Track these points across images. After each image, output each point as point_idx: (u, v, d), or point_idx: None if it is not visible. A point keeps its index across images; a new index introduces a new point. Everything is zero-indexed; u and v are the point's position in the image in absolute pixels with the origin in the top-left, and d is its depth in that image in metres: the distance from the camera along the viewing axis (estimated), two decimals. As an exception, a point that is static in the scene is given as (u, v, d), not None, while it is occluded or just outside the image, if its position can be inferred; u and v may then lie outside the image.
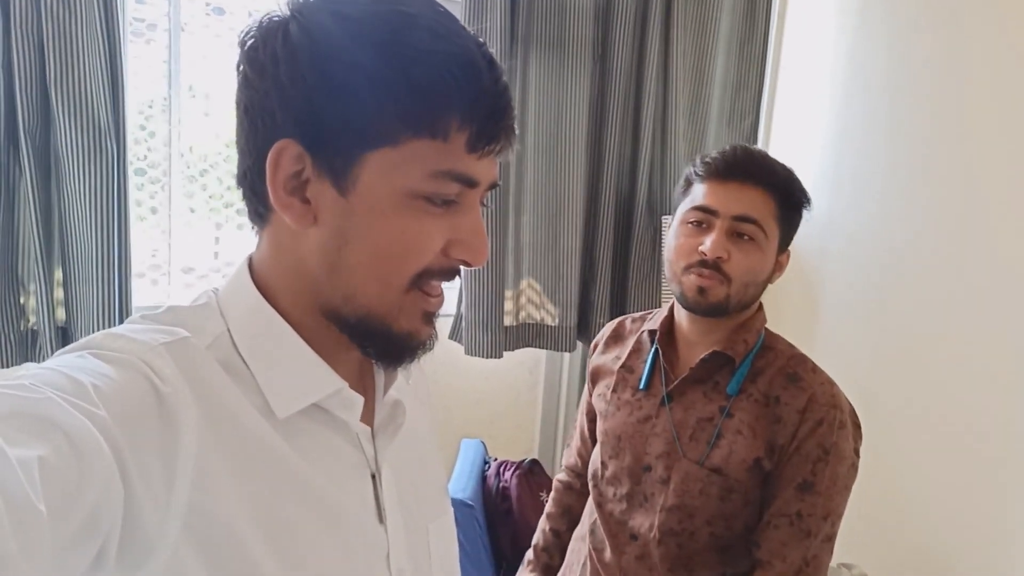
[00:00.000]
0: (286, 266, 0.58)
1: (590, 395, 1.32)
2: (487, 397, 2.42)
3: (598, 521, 1.21)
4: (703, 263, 1.08)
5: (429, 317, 0.59)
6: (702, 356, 1.13)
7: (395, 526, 0.64)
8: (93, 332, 0.55)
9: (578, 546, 1.27)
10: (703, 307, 1.10)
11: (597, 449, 1.25)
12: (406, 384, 0.70)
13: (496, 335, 2.09)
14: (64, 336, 1.76)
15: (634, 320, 1.31)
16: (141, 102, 1.94)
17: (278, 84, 0.52)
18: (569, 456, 1.41)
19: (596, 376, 1.31)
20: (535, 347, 2.24)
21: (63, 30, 1.62)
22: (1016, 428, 1.38)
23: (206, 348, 0.54)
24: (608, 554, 1.18)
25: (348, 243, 0.54)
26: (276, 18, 0.54)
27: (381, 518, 0.62)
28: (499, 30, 1.95)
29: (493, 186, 0.59)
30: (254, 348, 0.56)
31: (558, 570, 1.32)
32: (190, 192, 2.03)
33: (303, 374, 0.57)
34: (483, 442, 2.34)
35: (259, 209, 0.58)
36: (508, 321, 2.15)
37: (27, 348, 1.75)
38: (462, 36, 0.53)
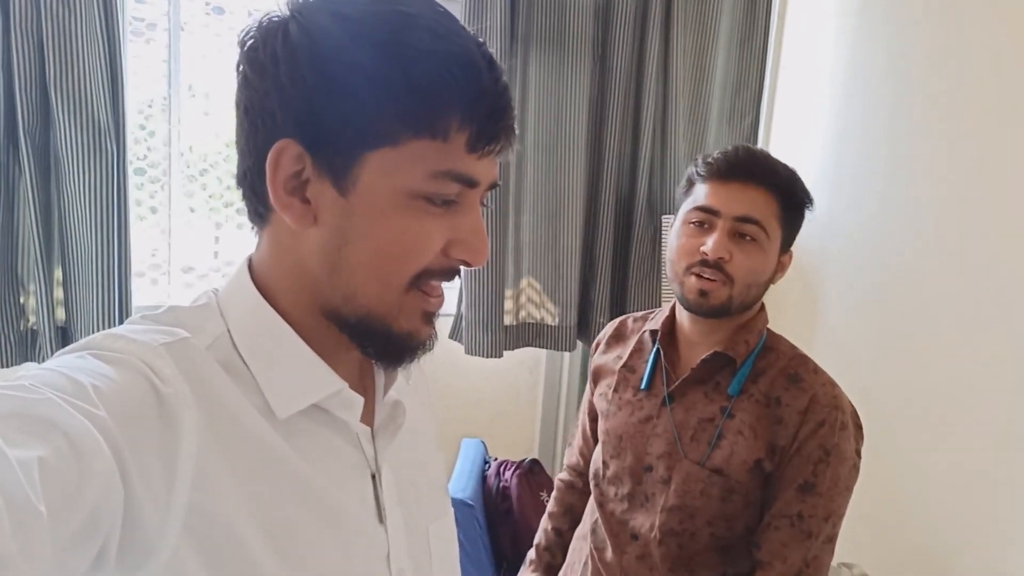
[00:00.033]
0: (286, 266, 0.58)
1: (592, 394, 1.32)
2: (487, 397, 2.42)
3: (599, 520, 1.21)
4: (704, 263, 1.08)
5: (429, 317, 0.59)
6: (703, 356, 1.13)
7: (395, 526, 0.64)
8: (93, 332, 0.55)
9: (580, 545, 1.27)
10: (705, 309, 1.10)
11: (598, 448, 1.25)
12: (406, 384, 0.70)
13: (496, 334, 2.09)
14: (64, 336, 1.76)
15: (636, 319, 1.31)
16: (141, 101, 1.94)
17: (278, 84, 0.52)
18: (571, 455, 1.41)
19: (597, 375, 1.31)
20: (535, 346, 2.24)
21: (63, 30, 1.62)
22: (1016, 427, 1.38)
23: (206, 348, 0.54)
24: (609, 553, 1.18)
25: (348, 243, 0.54)
26: (276, 18, 0.54)
27: (381, 518, 0.62)
28: (499, 29, 1.95)
29: (493, 186, 0.59)
30: (254, 348, 0.56)
31: (559, 569, 1.32)
32: (190, 192, 2.03)
33: (303, 374, 0.57)
34: (483, 442, 2.34)
35: (259, 209, 0.58)
36: (508, 320, 2.15)
37: (27, 348, 1.75)
38: (462, 36, 0.53)
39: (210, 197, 2.07)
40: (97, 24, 1.65)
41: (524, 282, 2.17)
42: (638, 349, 1.24)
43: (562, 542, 1.34)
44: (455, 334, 2.16)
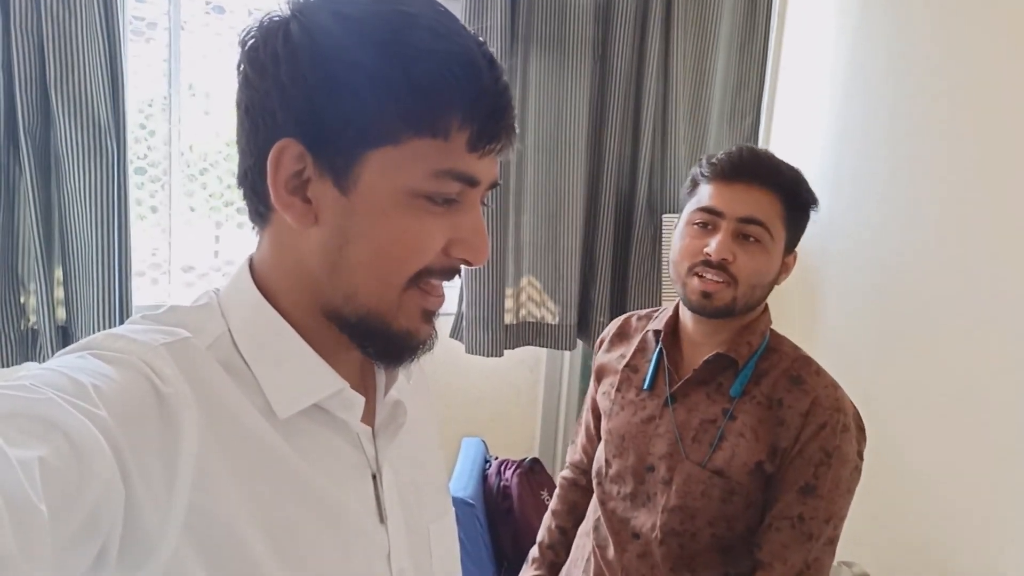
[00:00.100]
0: (287, 266, 0.58)
1: (595, 392, 1.32)
2: (488, 396, 2.42)
3: (601, 518, 1.21)
4: (708, 264, 1.08)
5: (429, 316, 0.59)
6: (706, 358, 1.13)
7: (396, 526, 0.64)
8: (93, 331, 0.55)
9: (583, 542, 1.27)
10: (708, 310, 1.10)
11: (601, 447, 1.25)
12: (407, 384, 0.70)
13: (497, 333, 2.09)
14: (64, 335, 1.76)
15: (639, 318, 1.31)
16: (141, 101, 1.94)
17: (279, 84, 0.52)
18: (574, 453, 1.40)
19: (601, 374, 1.30)
20: (535, 345, 2.24)
21: (63, 29, 1.62)
22: (1017, 427, 1.38)
23: (207, 348, 0.54)
24: (611, 552, 1.18)
25: (349, 242, 0.54)
26: (277, 18, 0.54)
27: (382, 518, 0.62)
28: (499, 29, 1.95)
29: (494, 185, 0.59)
30: (255, 348, 0.56)
31: (562, 568, 1.32)
32: (190, 191, 2.03)
33: (304, 374, 0.57)
34: (484, 441, 2.34)
35: (260, 209, 0.58)
36: (508, 319, 2.15)
37: (27, 347, 1.75)
38: (462, 35, 0.53)
39: (210, 196, 2.07)
40: (97, 23, 1.65)
41: (524, 281, 2.17)
42: (641, 348, 1.24)
43: (566, 540, 1.34)
44: (456, 333, 2.16)
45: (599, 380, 1.31)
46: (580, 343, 2.32)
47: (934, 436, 1.56)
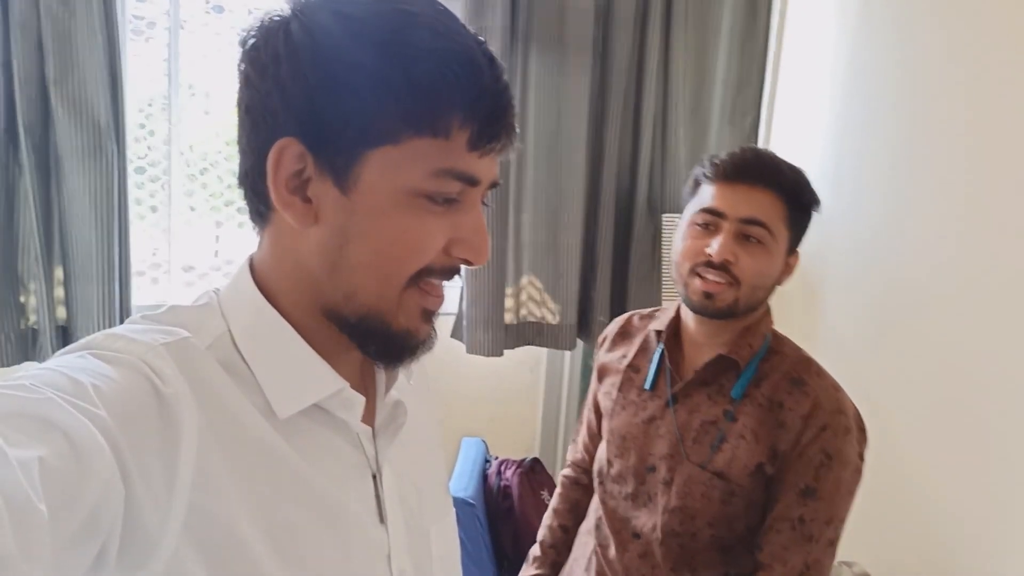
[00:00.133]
0: (287, 266, 0.58)
1: (597, 390, 1.32)
2: (488, 396, 2.41)
3: (603, 518, 1.21)
4: (709, 265, 1.08)
5: (428, 315, 0.59)
6: (707, 359, 1.13)
7: (396, 526, 0.64)
8: (94, 331, 0.55)
9: (584, 540, 1.27)
10: (710, 311, 1.10)
11: (602, 446, 1.25)
12: (407, 384, 0.70)
13: (497, 333, 2.09)
14: (64, 335, 1.76)
15: (641, 317, 1.31)
16: (141, 100, 1.94)
17: (279, 83, 0.52)
18: (575, 451, 1.40)
19: (602, 373, 1.30)
20: (536, 345, 2.24)
21: (62, 28, 1.62)
22: (1018, 426, 1.37)
23: (207, 348, 0.54)
24: (612, 551, 1.18)
25: (349, 242, 0.54)
26: (277, 17, 0.54)
27: (382, 518, 0.62)
28: (500, 28, 1.95)
29: (494, 185, 0.59)
30: (255, 348, 0.56)
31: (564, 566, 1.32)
32: (190, 190, 2.03)
33: (304, 374, 0.57)
34: (484, 441, 2.33)
35: (260, 209, 0.58)
36: (509, 319, 2.15)
37: (27, 347, 1.75)
38: (463, 34, 0.53)
39: (210, 196, 2.07)
40: (97, 23, 1.65)
41: (525, 280, 2.17)
42: (643, 348, 1.24)
43: (567, 539, 1.34)
44: (456, 333, 2.16)
45: (601, 379, 1.31)
46: (580, 343, 2.32)
47: (935, 436, 1.56)
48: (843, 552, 1.13)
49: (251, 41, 0.54)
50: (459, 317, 2.15)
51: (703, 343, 1.15)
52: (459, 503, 1.89)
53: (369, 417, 0.63)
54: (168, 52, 1.93)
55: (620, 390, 1.23)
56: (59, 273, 1.74)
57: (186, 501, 0.48)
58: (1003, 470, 1.40)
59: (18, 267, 1.72)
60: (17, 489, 0.37)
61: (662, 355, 1.19)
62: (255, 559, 0.52)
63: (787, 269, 1.14)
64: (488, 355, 2.10)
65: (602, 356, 1.32)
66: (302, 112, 0.52)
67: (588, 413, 1.36)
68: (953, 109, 1.57)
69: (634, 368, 1.23)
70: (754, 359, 1.12)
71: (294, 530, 0.55)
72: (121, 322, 0.55)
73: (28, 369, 0.47)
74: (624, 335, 1.30)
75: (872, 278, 1.77)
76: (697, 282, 1.09)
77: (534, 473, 2.20)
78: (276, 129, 0.53)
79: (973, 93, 1.53)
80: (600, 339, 1.35)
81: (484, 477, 2.19)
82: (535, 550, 1.36)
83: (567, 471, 1.41)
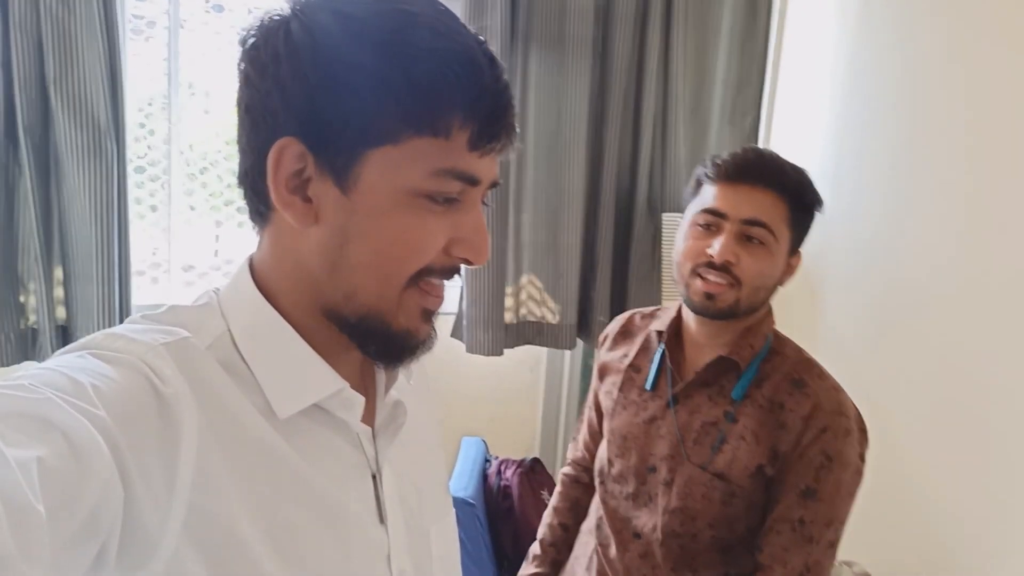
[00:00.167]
0: (287, 266, 0.57)
1: (598, 389, 1.32)
2: (488, 395, 2.41)
3: (604, 517, 1.21)
4: (711, 265, 1.07)
5: (428, 315, 0.59)
6: (708, 360, 1.12)
7: (396, 526, 0.64)
8: (93, 331, 0.55)
9: (585, 539, 1.27)
10: (711, 312, 1.09)
11: (603, 446, 1.25)
12: (407, 384, 0.70)
13: (497, 333, 2.09)
14: (64, 335, 1.76)
15: (643, 316, 1.31)
16: (140, 100, 1.94)
17: (279, 83, 0.52)
18: (575, 450, 1.40)
19: (603, 372, 1.30)
20: (536, 345, 2.23)
21: (62, 28, 1.62)
22: (1018, 426, 1.37)
23: (206, 348, 0.54)
24: (613, 550, 1.18)
25: (350, 241, 0.54)
26: (277, 16, 0.53)
27: (382, 518, 0.62)
28: (500, 28, 1.94)
29: (494, 184, 0.59)
30: (255, 348, 0.56)
31: (564, 564, 1.32)
32: (190, 190, 2.03)
33: (304, 374, 0.57)
34: (484, 440, 2.33)
35: (260, 208, 0.58)
36: (509, 318, 2.15)
37: (27, 347, 1.75)
38: (463, 34, 0.53)
39: (210, 195, 2.07)
40: (96, 22, 1.65)
41: (525, 279, 2.17)
42: (644, 348, 1.24)
43: (567, 537, 1.33)
44: (456, 333, 2.15)
45: (601, 378, 1.30)
46: (580, 342, 2.32)
47: (935, 435, 1.56)
48: (844, 552, 1.12)
49: (251, 40, 0.54)
50: (459, 316, 2.15)
51: (704, 343, 1.15)
52: (459, 503, 1.89)
53: (369, 417, 0.63)
54: (168, 51, 1.92)
55: (621, 390, 1.23)
56: (59, 273, 1.74)
57: (186, 501, 0.48)
58: (1003, 470, 1.40)
59: (18, 267, 1.72)
60: (16, 490, 0.37)
61: (663, 355, 1.19)
62: (255, 559, 0.52)
63: (789, 269, 1.14)
64: (488, 354, 2.10)
65: (603, 355, 1.32)
66: (302, 112, 0.52)
67: (589, 412, 1.36)
68: (953, 109, 1.57)
69: (635, 368, 1.23)
70: (755, 360, 1.12)
71: (294, 530, 0.55)
72: (121, 322, 0.55)
73: (27, 369, 0.47)
74: (625, 334, 1.30)
75: (872, 278, 1.77)
76: (698, 283, 1.09)
77: (534, 473, 2.20)
78: (276, 128, 0.53)
79: (973, 93, 1.53)
80: (601, 338, 1.35)
81: (484, 477, 2.19)
82: (535, 548, 1.35)
83: (567, 469, 1.40)
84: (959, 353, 1.51)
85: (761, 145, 2.24)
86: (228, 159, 2.05)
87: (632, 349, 1.25)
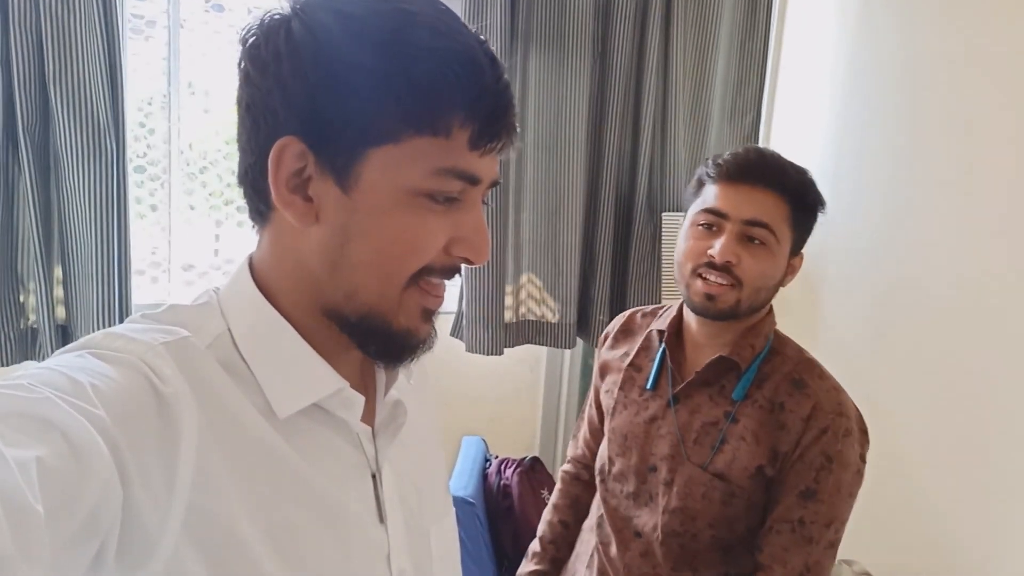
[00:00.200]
0: (287, 265, 0.57)
1: (599, 388, 1.31)
2: (488, 394, 2.41)
3: (604, 516, 1.21)
4: (711, 266, 1.07)
5: (428, 315, 0.59)
6: (708, 360, 1.12)
7: (396, 526, 0.63)
8: (93, 330, 0.55)
9: (588, 537, 1.27)
10: (712, 312, 1.09)
11: (604, 444, 1.25)
12: (407, 384, 0.70)
13: (496, 332, 2.09)
14: (64, 334, 1.76)
15: (644, 315, 1.30)
16: (140, 99, 1.93)
17: (280, 81, 0.52)
18: (575, 447, 1.40)
19: (604, 371, 1.30)
20: (535, 344, 2.23)
21: (62, 27, 1.61)
22: (1018, 425, 1.37)
23: (206, 348, 0.54)
24: (614, 549, 1.18)
25: (350, 241, 0.54)
26: (278, 16, 0.53)
27: (382, 518, 0.62)
28: (499, 27, 1.94)
29: (494, 184, 0.59)
30: (255, 348, 0.56)
31: (565, 563, 1.32)
32: (190, 189, 2.03)
33: (304, 374, 0.57)
34: (484, 440, 2.33)
35: (260, 207, 0.57)
36: (508, 317, 2.15)
37: (27, 346, 1.75)
38: (464, 34, 0.53)
39: (210, 195, 2.07)
40: (96, 21, 1.64)
41: (524, 278, 2.17)
42: (645, 347, 1.24)
43: (567, 534, 1.33)
44: (456, 332, 2.15)
45: (602, 377, 1.30)
46: (580, 342, 2.31)
47: (934, 435, 1.56)
48: (844, 551, 1.12)
49: (252, 39, 0.54)
50: (459, 316, 2.15)
51: (705, 343, 1.15)
52: (459, 502, 1.89)
53: (369, 417, 0.63)
54: (168, 51, 1.92)
55: (622, 389, 1.23)
56: (58, 272, 1.74)
57: (185, 501, 0.48)
58: (1002, 469, 1.40)
59: (17, 266, 1.72)
60: (15, 490, 0.37)
61: (664, 354, 1.18)
62: (255, 559, 0.52)
63: (791, 270, 1.14)
64: (488, 354, 2.10)
65: (604, 353, 1.31)
66: (303, 111, 0.52)
67: (590, 409, 1.36)
68: (953, 108, 1.57)
69: (636, 367, 1.23)
70: (755, 360, 1.11)
71: (294, 530, 0.55)
72: (121, 321, 0.55)
73: (27, 368, 0.47)
74: (626, 332, 1.30)
75: (872, 278, 1.77)
76: (699, 283, 1.09)
77: (534, 472, 2.20)
78: (277, 128, 0.53)
79: (973, 92, 1.52)
80: (602, 335, 1.35)
81: (484, 476, 2.19)
82: (535, 545, 1.35)
83: (567, 467, 1.40)
84: (959, 353, 1.51)
85: (761, 144, 2.24)
86: (228, 158, 2.05)
87: (633, 348, 1.25)
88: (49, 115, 1.65)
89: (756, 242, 1.07)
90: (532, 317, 2.20)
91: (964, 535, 1.48)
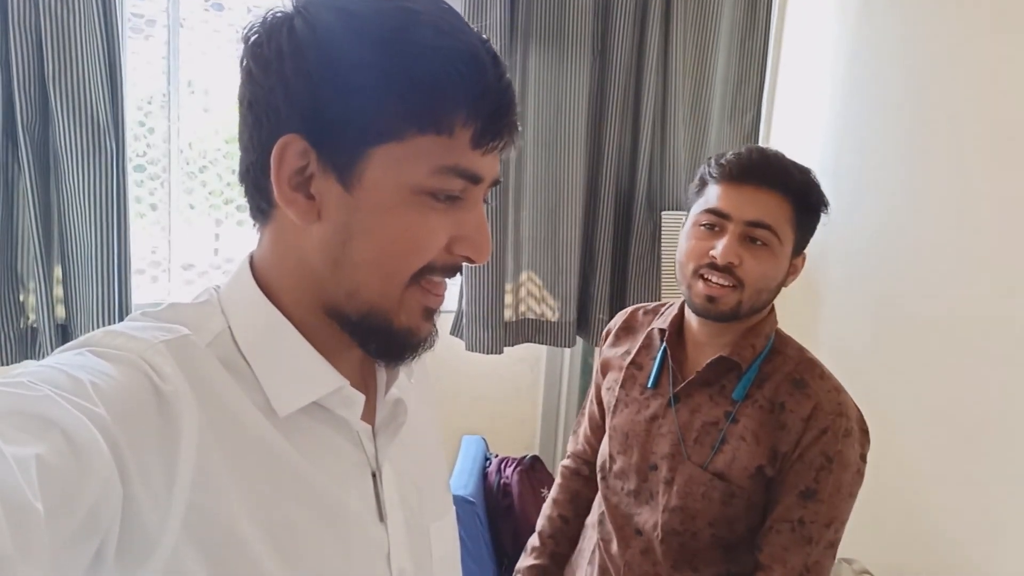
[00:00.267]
0: (288, 263, 0.57)
1: (600, 385, 1.31)
2: (488, 393, 2.41)
3: (605, 513, 1.21)
4: (713, 267, 1.07)
5: (430, 313, 0.59)
6: (709, 359, 1.12)
7: (396, 525, 0.63)
8: (93, 330, 0.55)
9: (590, 533, 1.27)
10: (713, 314, 1.09)
11: (605, 442, 1.25)
12: (408, 382, 0.70)
13: (496, 331, 2.09)
14: (64, 334, 1.76)
15: (646, 312, 1.30)
16: (140, 98, 1.93)
17: (283, 79, 0.52)
18: (575, 443, 1.40)
19: (605, 368, 1.30)
20: (535, 342, 2.23)
21: (61, 26, 1.61)
22: (1018, 423, 1.37)
23: (207, 346, 0.54)
24: (615, 546, 1.18)
25: (352, 239, 0.54)
26: (280, 14, 0.53)
27: (382, 517, 0.62)
28: (499, 25, 1.94)
29: (496, 182, 0.59)
30: (255, 346, 0.56)
31: (564, 558, 1.32)
32: (190, 188, 2.03)
33: (304, 372, 0.57)
34: (484, 438, 2.33)
35: (262, 205, 0.57)
36: (508, 316, 2.15)
37: (27, 346, 1.75)
38: (466, 32, 0.53)
39: (210, 194, 2.07)
40: (96, 21, 1.64)
41: (524, 276, 2.17)
42: (646, 345, 1.24)
43: (567, 529, 1.33)
44: (456, 330, 2.15)
45: (604, 374, 1.30)
46: (580, 340, 2.31)
47: (935, 434, 1.56)
48: (844, 550, 1.12)
49: (254, 37, 0.54)
50: (458, 314, 2.15)
51: (706, 343, 1.15)
52: (459, 501, 1.89)
53: (369, 415, 0.63)
54: (167, 50, 1.92)
55: (623, 386, 1.23)
56: (58, 272, 1.74)
57: (186, 500, 0.48)
58: (1002, 469, 1.40)
59: (17, 266, 1.72)
60: (15, 488, 0.37)
61: (664, 353, 1.18)
62: (255, 558, 0.52)
63: (793, 270, 1.13)
64: (488, 352, 2.10)
65: (605, 350, 1.31)
66: (306, 108, 0.52)
67: (591, 405, 1.36)
68: (955, 106, 1.57)
69: (637, 365, 1.23)
70: (756, 360, 1.11)
71: (294, 529, 0.55)
72: (120, 321, 0.55)
73: (27, 366, 0.47)
74: (628, 330, 1.30)
75: (872, 276, 1.77)
76: (700, 285, 1.08)
77: (534, 471, 2.20)
78: (279, 125, 0.53)
79: (975, 90, 1.52)
80: (604, 332, 1.34)
81: (484, 475, 2.19)
82: (534, 540, 1.35)
83: (567, 462, 1.40)
84: (959, 352, 1.51)
85: (761, 143, 2.24)
86: (228, 158, 2.05)
87: (634, 346, 1.25)
88: (49, 114, 1.65)
89: (758, 243, 1.07)
90: (532, 315, 2.20)
91: (964, 534, 1.48)
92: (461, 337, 2.13)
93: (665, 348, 1.18)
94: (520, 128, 0.57)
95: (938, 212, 1.59)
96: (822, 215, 1.12)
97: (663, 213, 2.19)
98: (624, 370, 1.23)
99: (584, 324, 2.24)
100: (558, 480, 1.39)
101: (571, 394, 2.51)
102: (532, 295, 2.19)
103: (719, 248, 1.06)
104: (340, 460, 0.60)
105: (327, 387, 0.57)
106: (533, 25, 2.03)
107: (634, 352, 1.24)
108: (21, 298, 1.73)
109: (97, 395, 0.45)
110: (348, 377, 0.59)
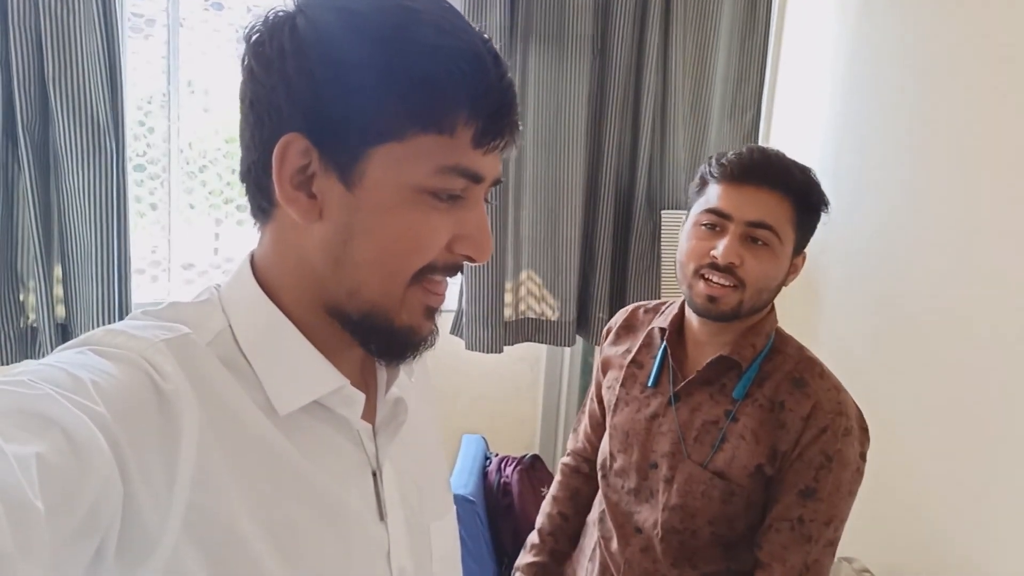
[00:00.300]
0: (289, 262, 0.57)
1: (600, 383, 1.31)
2: (488, 393, 2.42)
3: (606, 511, 1.21)
4: (714, 267, 1.07)
5: (431, 312, 0.59)
6: (709, 358, 1.12)
7: (396, 524, 0.63)
8: (93, 329, 0.55)
9: (591, 531, 1.27)
10: (714, 314, 1.09)
11: (606, 440, 1.25)
12: (408, 381, 0.70)
13: (496, 330, 2.09)
14: (64, 333, 1.76)
15: (647, 311, 1.30)
16: (140, 98, 1.93)
17: (285, 78, 0.52)
18: (575, 441, 1.40)
19: (605, 367, 1.30)
20: (535, 342, 2.23)
21: (61, 26, 1.61)
22: (1017, 422, 1.37)
23: (207, 345, 0.54)
24: (615, 544, 1.19)
25: (354, 238, 0.54)
26: (282, 13, 0.53)
27: (382, 516, 0.62)
28: (499, 24, 1.94)
29: (497, 182, 0.59)
30: (256, 345, 0.56)
31: (563, 556, 1.32)
32: (189, 188, 2.03)
33: (305, 371, 0.57)
34: (484, 438, 2.34)
35: (263, 204, 0.57)
36: (508, 315, 2.15)
37: (27, 345, 1.75)
38: (468, 32, 0.53)
39: (210, 193, 2.07)
40: (96, 20, 1.64)
41: (524, 275, 2.17)
42: (647, 344, 1.24)
43: (567, 526, 1.33)
44: (456, 329, 2.15)
45: (604, 372, 1.30)
46: (579, 339, 2.31)
47: (935, 433, 1.56)
48: (844, 548, 1.13)
49: (256, 36, 0.54)
50: (458, 313, 2.15)
51: (706, 342, 1.15)
52: (459, 500, 1.89)
53: (370, 414, 0.63)
54: (167, 49, 1.92)
55: (623, 385, 1.23)
56: (58, 271, 1.74)
57: (186, 498, 0.48)
58: (1002, 468, 1.40)
59: (17, 265, 1.72)
60: (15, 486, 0.37)
61: (665, 352, 1.18)
62: (255, 557, 0.52)
63: (793, 270, 1.13)
64: (488, 352, 2.10)
65: (606, 349, 1.31)
66: (307, 107, 0.52)
67: (591, 403, 1.36)
68: (955, 105, 1.57)
69: (637, 364, 1.23)
70: (756, 359, 1.11)
71: (294, 528, 0.55)
72: (120, 320, 0.55)
73: (27, 365, 0.47)
74: (628, 328, 1.30)
75: (872, 275, 1.77)
76: (701, 285, 1.08)
77: (534, 470, 2.20)
78: (281, 124, 0.53)
79: (976, 88, 1.52)
80: (605, 330, 1.34)
81: (484, 474, 2.19)
82: (533, 537, 1.35)
83: (567, 459, 1.40)
84: (959, 352, 1.51)
85: (761, 142, 2.24)
86: (228, 157, 2.05)
87: (635, 344, 1.25)
88: (49, 114, 1.65)
89: (759, 243, 1.07)
90: (532, 315, 2.20)
91: (964, 534, 1.48)
92: (461, 336, 2.13)
93: (665, 347, 1.18)
94: (521, 127, 0.57)
95: (938, 212, 1.59)
96: (822, 214, 1.12)
97: (663, 212, 2.19)
98: (624, 369, 1.24)
99: (584, 323, 2.24)
100: (558, 477, 1.39)
101: (571, 393, 2.51)
102: (532, 294, 2.19)
103: (720, 248, 1.06)
104: (340, 459, 0.60)
105: (328, 386, 0.57)
106: (533, 25, 2.03)
107: (634, 351, 1.24)
108: (21, 297, 1.73)
109: (98, 394, 0.45)
110: (348, 376, 0.59)
